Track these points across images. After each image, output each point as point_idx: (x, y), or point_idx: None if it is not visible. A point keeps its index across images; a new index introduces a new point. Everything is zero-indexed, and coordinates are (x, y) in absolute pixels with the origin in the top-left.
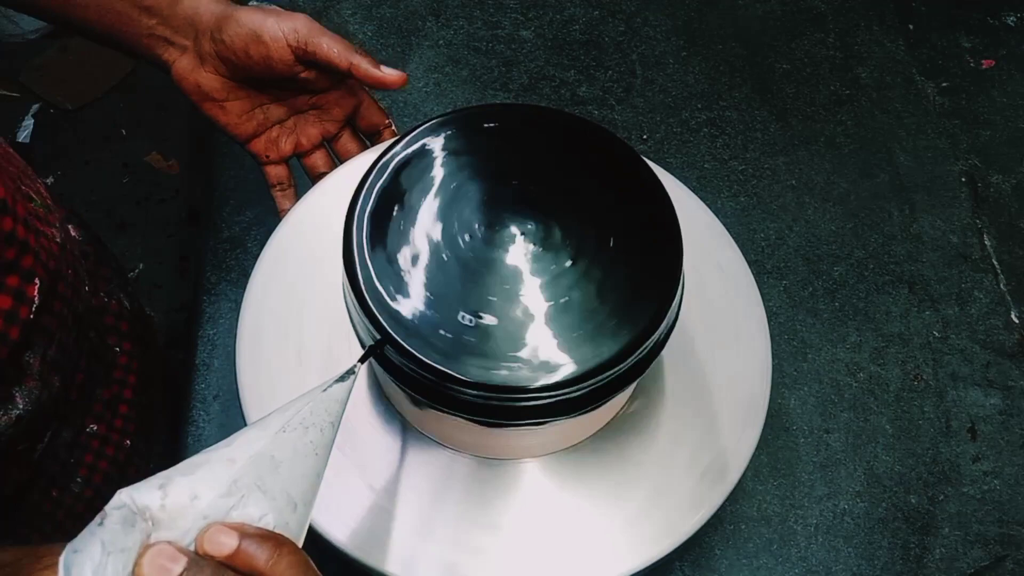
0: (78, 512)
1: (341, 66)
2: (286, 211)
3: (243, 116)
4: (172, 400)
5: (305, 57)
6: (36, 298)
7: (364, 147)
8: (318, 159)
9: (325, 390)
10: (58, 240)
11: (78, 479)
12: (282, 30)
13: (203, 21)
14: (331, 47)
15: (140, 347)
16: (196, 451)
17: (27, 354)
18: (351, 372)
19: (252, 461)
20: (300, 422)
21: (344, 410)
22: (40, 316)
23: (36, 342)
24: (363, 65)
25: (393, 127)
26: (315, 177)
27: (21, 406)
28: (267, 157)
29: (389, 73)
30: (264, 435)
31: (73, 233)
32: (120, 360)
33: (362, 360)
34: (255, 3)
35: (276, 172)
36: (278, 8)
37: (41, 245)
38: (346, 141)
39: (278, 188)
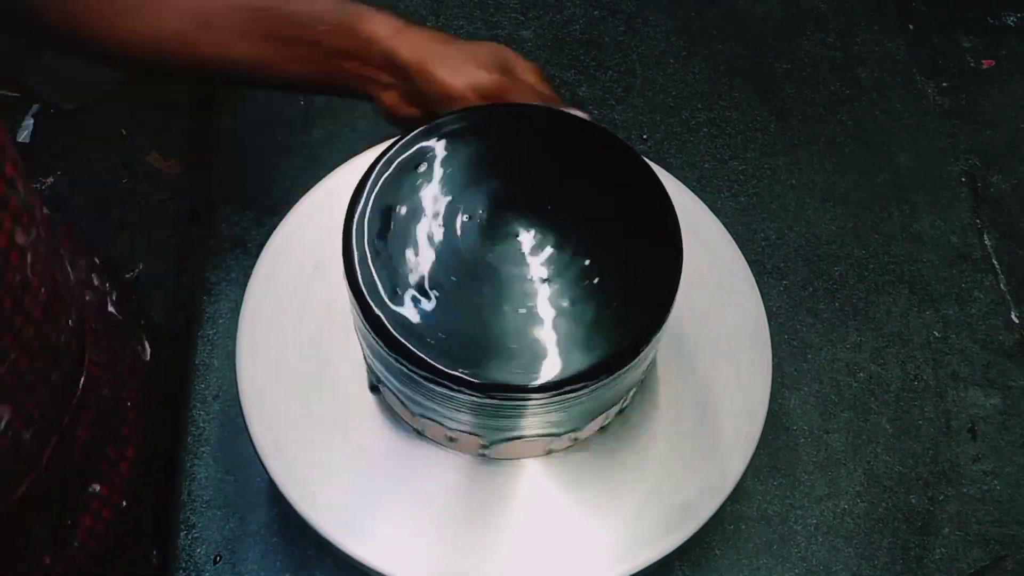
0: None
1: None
2: None
3: None
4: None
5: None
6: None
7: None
8: None
9: None
10: (19, 242)
11: (74, 544)
12: (473, 95)
13: (403, 65)
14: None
15: (149, 404)
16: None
17: None
18: None
19: None
20: None
21: None
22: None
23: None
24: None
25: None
26: None
27: None
28: None
29: None
30: None
31: (96, 281)
32: (129, 416)
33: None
34: None
35: None
36: (473, 60)
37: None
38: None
39: None
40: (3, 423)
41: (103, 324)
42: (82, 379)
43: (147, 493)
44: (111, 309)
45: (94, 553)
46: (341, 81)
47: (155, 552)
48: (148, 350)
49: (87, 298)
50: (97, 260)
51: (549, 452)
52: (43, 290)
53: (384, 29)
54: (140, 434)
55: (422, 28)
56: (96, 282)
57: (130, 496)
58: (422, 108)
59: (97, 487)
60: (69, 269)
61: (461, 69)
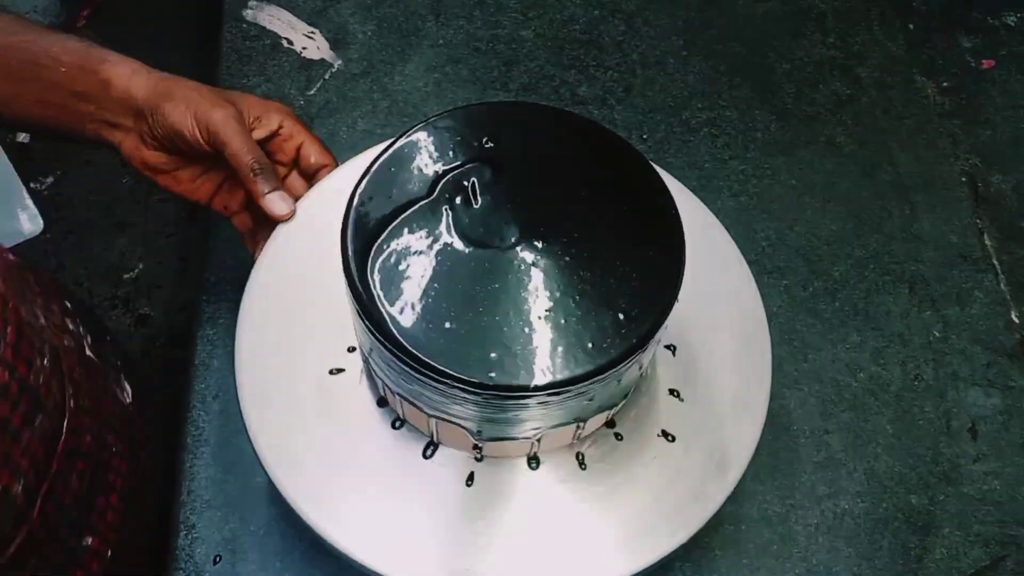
0: None
1: (239, 170)
2: (259, 253)
3: (196, 181)
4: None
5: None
6: None
7: (331, 158)
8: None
9: None
10: None
11: None
12: (199, 130)
13: (136, 105)
14: (233, 156)
15: (129, 448)
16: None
17: None
18: None
19: None
20: None
21: None
22: None
23: None
24: (254, 186)
25: (331, 166)
26: (280, 166)
27: None
28: (227, 209)
29: (273, 205)
30: None
31: (70, 325)
32: (114, 462)
33: None
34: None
35: (241, 220)
36: (205, 97)
37: None
38: (290, 182)
39: (247, 235)
40: None
41: (82, 369)
42: (65, 424)
43: (134, 539)
44: (88, 353)
45: None
46: (81, 125)
47: None
48: (128, 391)
49: (65, 343)
50: (69, 304)
51: (549, 451)
52: (9, 329)
53: (122, 72)
54: (125, 479)
55: (159, 72)
56: (71, 326)
57: (116, 545)
58: (164, 150)
59: (90, 540)
60: (38, 312)
61: (190, 103)
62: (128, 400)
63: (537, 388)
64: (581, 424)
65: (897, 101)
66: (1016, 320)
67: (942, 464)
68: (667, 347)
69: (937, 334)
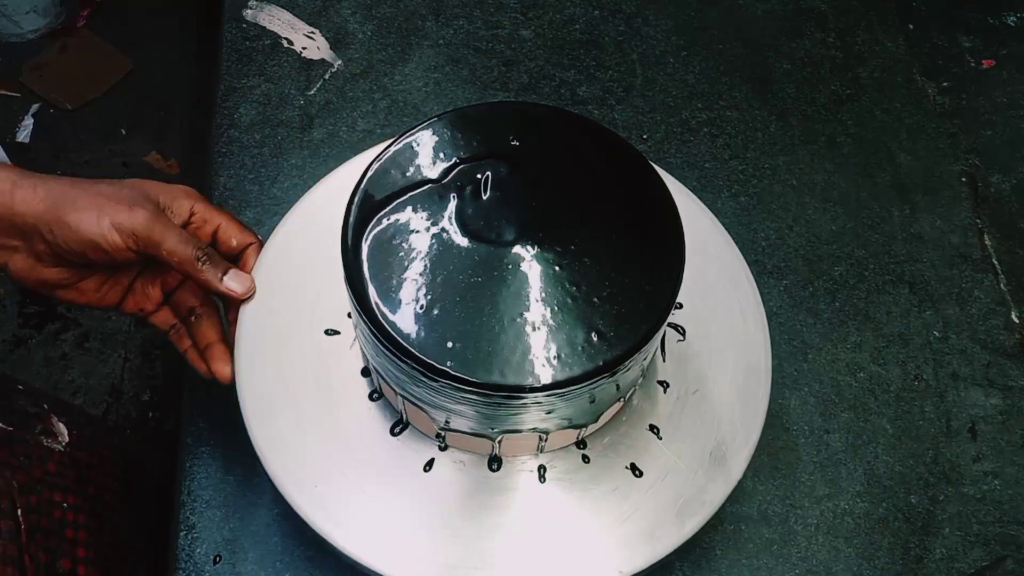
0: None
1: (180, 270)
2: (187, 349)
3: (101, 290)
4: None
5: (147, 254)
6: None
7: (247, 237)
8: (186, 295)
9: None
10: None
11: None
12: (122, 237)
13: (27, 223)
14: (172, 254)
15: (85, 488)
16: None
17: None
18: None
19: None
20: None
21: None
22: None
23: None
24: (204, 277)
25: (256, 244)
26: (187, 315)
27: None
28: (143, 311)
29: (230, 287)
30: None
31: None
32: (68, 517)
33: None
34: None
35: (161, 319)
36: (113, 198)
37: None
38: (183, 296)
39: (172, 331)
40: None
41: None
42: (19, 512)
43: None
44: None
45: None
46: None
47: None
48: (63, 430)
49: None
50: None
51: (549, 451)
52: None
53: (0, 188)
54: (85, 532)
55: (46, 177)
56: None
57: None
58: (66, 265)
59: None
60: None
61: (102, 209)
62: (64, 441)
63: (537, 388)
64: (544, 437)
65: (897, 101)
66: (1016, 320)
67: (942, 464)
68: (667, 347)
69: (937, 334)
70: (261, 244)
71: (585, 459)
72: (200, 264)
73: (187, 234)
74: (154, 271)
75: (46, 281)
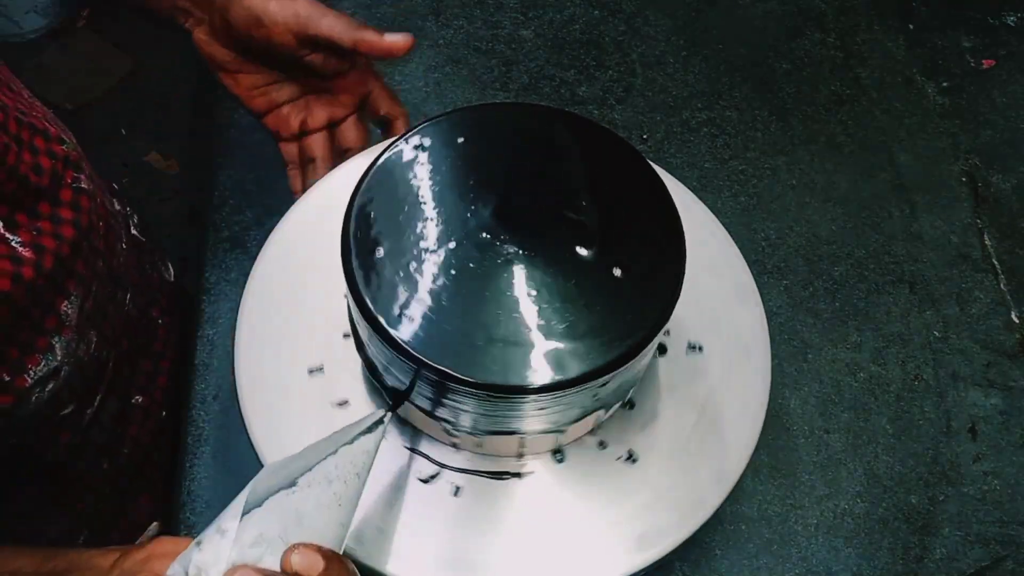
0: (121, 486)
1: (345, 44)
2: (297, 192)
3: (255, 91)
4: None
5: (308, 40)
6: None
7: (365, 137)
8: (314, 143)
9: (352, 442)
10: (85, 187)
11: (124, 450)
12: (283, 15)
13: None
14: (333, 27)
15: (177, 320)
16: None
17: (64, 304)
18: (379, 422)
19: (277, 515)
20: (324, 475)
21: (373, 460)
22: (73, 260)
23: (71, 291)
24: (367, 38)
25: (404, 119)
26: (307, 161)
27: (60, 357)
28: (279, 134)
29: (393, 40)
30: (288, 491)
31: (117, 205)
32: (160, 332)
33: (393, 409)
34: None
35: (289, 150)
36: None
37: (75, 186)
38: (346, 128)
39: (291, 167)
40: (92, 346)
41: (130, 246)
42: (128, 297)
43: (182, 406)
44: (134, 232)
45: (138, 460)
46: (162, 7)
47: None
48: (172, 271)
49: (112, 223)
50: (116, 185)
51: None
52: (101, 224)
53: None
54: (172, 349)
55: None
56: (118, 206)
57: (168, 407)
58: (234, 48)
59: (140, 398)
60: (112, 198)
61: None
62: (171, 278)
63: (538, 389)
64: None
65: (897, 101)
66: (1016, 320)
67: (942, 464)
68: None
69: (937, 334)
70: (408, 119)
71: (591, 453)
72: (360, 30)
73: (348, 19)
74: (303, 104)
75: (214, 57)
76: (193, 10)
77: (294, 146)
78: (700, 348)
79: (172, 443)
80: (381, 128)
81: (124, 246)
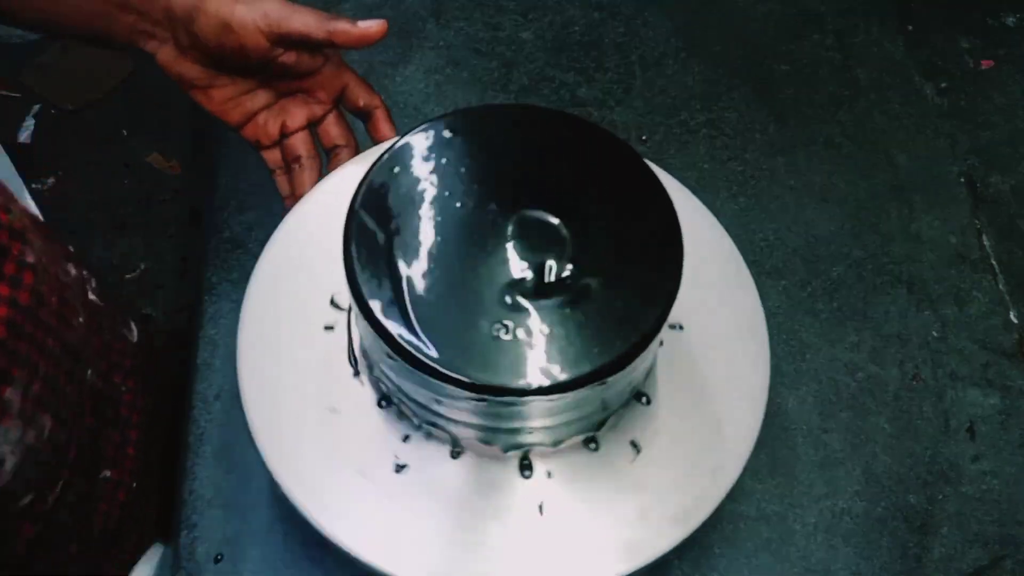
0: (94, 560)
1: (318, 37)
2: (288, 197)
3: (229, 103)
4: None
5: (280, 39)
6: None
7: (348, 131)
8: (296, 142)
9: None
10: (30, 261)
11: (94, 530)
12: (252, 16)
13: (176, 13)
14: (305, 22)
15: (144, 383)
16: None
17: (7, 391)
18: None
19: None
20: None
21: None
22: (14, 341)
23: (14, 376)
24: (341, 27)
25: (383, 108)
26: (292, 160)
27: (7, 450)
28: (260, 143)
29: (366, 26)
30: None
31: (73, 271)
32: (125, 398)
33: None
34: None
35: (271, 157)
36: None
37: (20, 259)
38: (328, 125)
39: (277, 172)
40: (46, 432)
41: (88, 315)
42: (88, 372)
43: (152, 475)
44: (91, 297)
45: (112, 536)
46: (121, 35)
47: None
48: (135, 331)
49: (70, 289)
50: (71, 248)
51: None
52: (54, 299)
53: None
54: (140, 415)
55: None
56: (74, 272)
57: (139, 477)
58: (204, 64)
59: (108, 472)
60: (68, 264)
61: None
62: (135, 339)
63: (536, 391)
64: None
65: (896, 102)
66: (1015, 320)
67: (940, 464)
68: (666, 347)
69: (935, 334)
70: (387, 109)
71: (589, 453)
72: (332, 21)
73: (319, 13)
74: (279, 108)
75: (183, 76)
76: (154, 30)
77: (276, 151)
78: (680, 327)
79: (172, 443)
80: (363, 119)
81: (82, 318)
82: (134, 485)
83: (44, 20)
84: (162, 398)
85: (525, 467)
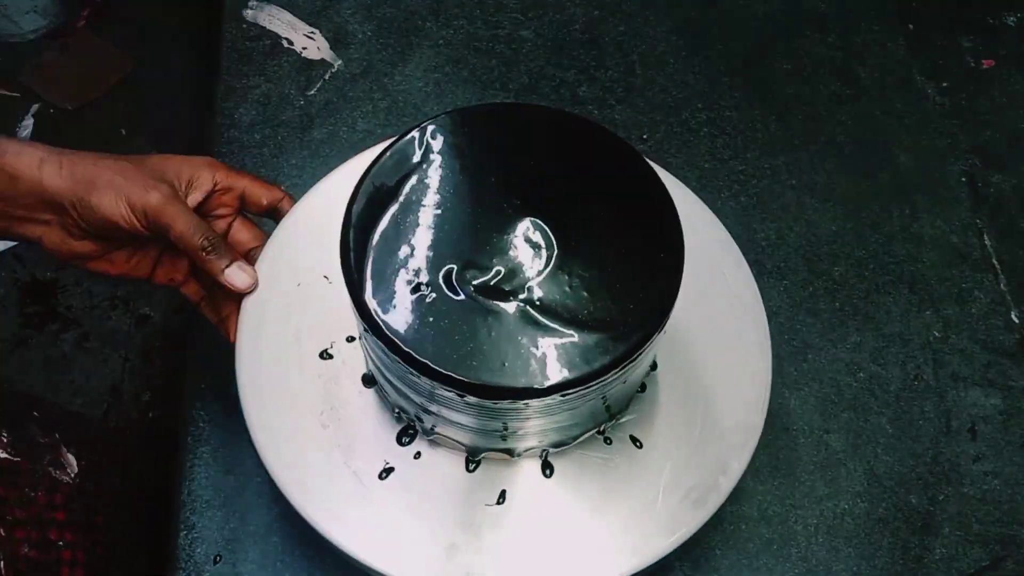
0: None
1: (191, 257)
2: (218, 322)
3: (131, 262)
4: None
5: (159, 229)
6: None
7: (257, 231)
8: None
9: None
10: None
11: None
12: (135, 216)
13: (54, 199)
14: (180, 238)
15: (83, 531)
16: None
17: None
18: None
19: None
20: None
21: None
22: None
23: None
24: (209, 265)
25: (287, 197)
26: (210, 285)
27: None
28: (173, 281)
29: (232, 280)
30: None
31: None
32: (64, 555)
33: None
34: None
35: (193, 289)
36: (131, 178)
37: None
38: (236, 233)
39: (203, 302)
40: None
41: (5, 475)
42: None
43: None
44: (3, 455)
45: None
46: None
47: None
48: (72, 463)
49: None
50: None
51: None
52: None
53: (29, 163)
54: (82, 568)
55: (72, 153)
56: None
57: None
58: (94, 238)
59: None
60: None
61: (119, 190)
62: (73, 472)
63: (536, 392)
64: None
65: (897, 101)
66: (1016, 320)
67: (942, 464)
68: (667, 347)
69: (937, 334)
70: (292, 197)
71: (591, 454)
72: (205, 253)
73: (199, 221)
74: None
75: (77, 253)
76: (31, 215)
77: (192, 284)
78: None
79: (172, 443)
80: (272, 217)
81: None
82: None
83: None
84: (108, 539)
85: (526, 467)
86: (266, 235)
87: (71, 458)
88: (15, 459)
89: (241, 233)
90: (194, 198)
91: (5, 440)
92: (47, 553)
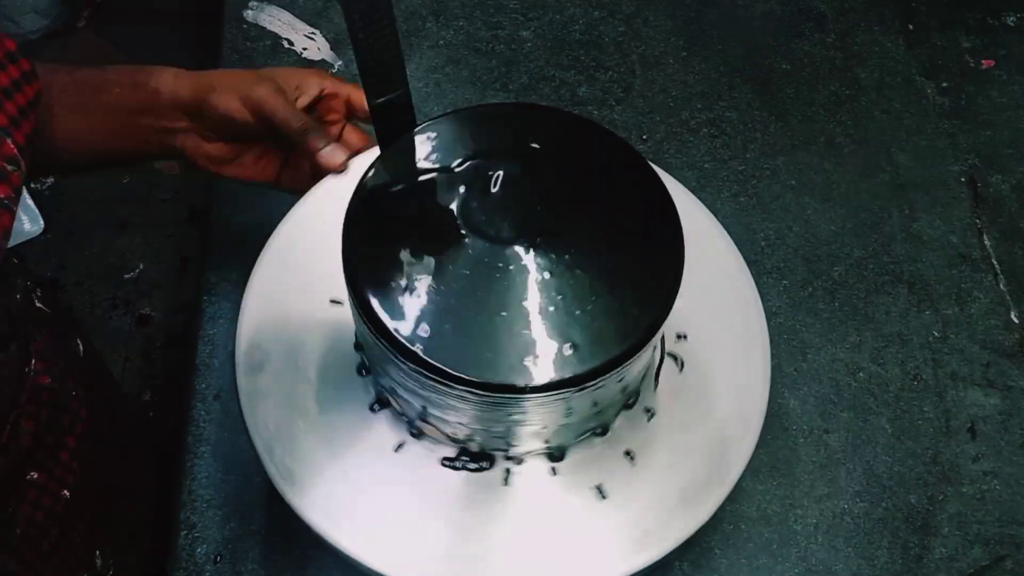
0: (12, 570)
1: (292, 141)
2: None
3: (260, 163)
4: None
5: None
6: None
7: (364, 136)
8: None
9: None
10: None
11: (17, 531)
12: (247, 108)
13: (188, 106)
14: (283, 123)
15: (91, 394)
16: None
17: None
18: None
19: None
20: None
21: None
22: None
23: None
24: (308, 145)
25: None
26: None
27: None
28: (297, 186)
29: (326, 160)
30: None
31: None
32: (71, 404)
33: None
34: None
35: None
36: (244, 79)
37: None
38: (346, 135)
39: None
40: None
41: (34, 319)
42: (28, 367)
43: (90, 488)
44: (39, 305)
45: (36, 545)
46: (145, 142)
47: (98, 553)
48: (81, 346)
49: (17, 295)
50: (16, 259)
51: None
52: None
53: (166, 78)
54: (81, 424)
55: (205, 72)
56: (19, 281)
57: (73, 488)
58: (222, 142)
59: (35, 475)
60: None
61: (234, 88)
62: (81, 354)
63: (537, 389)
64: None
65: (897, 101)
66: (1015, 320)
67: (941, 464)
68: (666, 348)
69: (936, 334)
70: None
71: (592, 455)
72: (302, 136)
73: (297, 110)
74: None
75: (211, 156)
76: (176, 125)
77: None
78: (684, 336)
79: (172, 443)
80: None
81: (28, 320)
82: (66, 494)
83: (86, 155)
84: (106, 422)
85: (526, 467)
86: (373, 139)
87: (80, 344)
88: (47, 310)
89: (351, 135)
90: (302, 101)
91: (39, 295)
92: (60, 393)
